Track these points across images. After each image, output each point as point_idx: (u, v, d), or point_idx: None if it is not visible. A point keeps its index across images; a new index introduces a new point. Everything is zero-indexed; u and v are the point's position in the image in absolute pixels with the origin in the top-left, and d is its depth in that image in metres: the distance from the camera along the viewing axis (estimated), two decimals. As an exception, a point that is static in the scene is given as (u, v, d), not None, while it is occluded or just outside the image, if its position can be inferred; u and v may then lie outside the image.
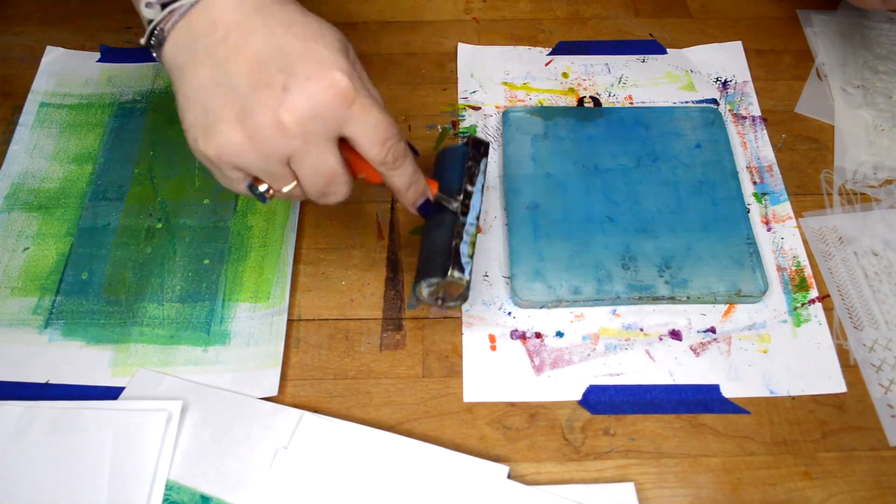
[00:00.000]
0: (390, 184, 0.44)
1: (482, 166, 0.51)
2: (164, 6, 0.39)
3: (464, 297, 0.48)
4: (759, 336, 0.52)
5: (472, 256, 0.47)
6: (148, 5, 0.39)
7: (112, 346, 0.52)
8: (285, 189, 0.41)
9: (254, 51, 0.38)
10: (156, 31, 0.40)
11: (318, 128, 0.38)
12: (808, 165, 0.60)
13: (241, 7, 0.39)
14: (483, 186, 0.50)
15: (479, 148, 0.51)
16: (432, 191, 0.47)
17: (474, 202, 0.49)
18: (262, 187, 0.42)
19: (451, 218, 0.48)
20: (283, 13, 0.39)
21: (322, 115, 0.38)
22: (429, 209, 0.47)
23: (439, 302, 0.49)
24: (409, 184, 0.44)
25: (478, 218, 0.49)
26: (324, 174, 0.40)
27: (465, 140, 0.52)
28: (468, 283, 0.47)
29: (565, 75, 0.66)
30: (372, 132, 0.40)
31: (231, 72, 0.38)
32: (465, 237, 0.47)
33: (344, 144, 0.41)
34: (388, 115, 0.41)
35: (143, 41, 0.41)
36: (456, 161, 0.51)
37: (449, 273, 0.46)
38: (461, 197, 0.49)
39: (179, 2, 0.39)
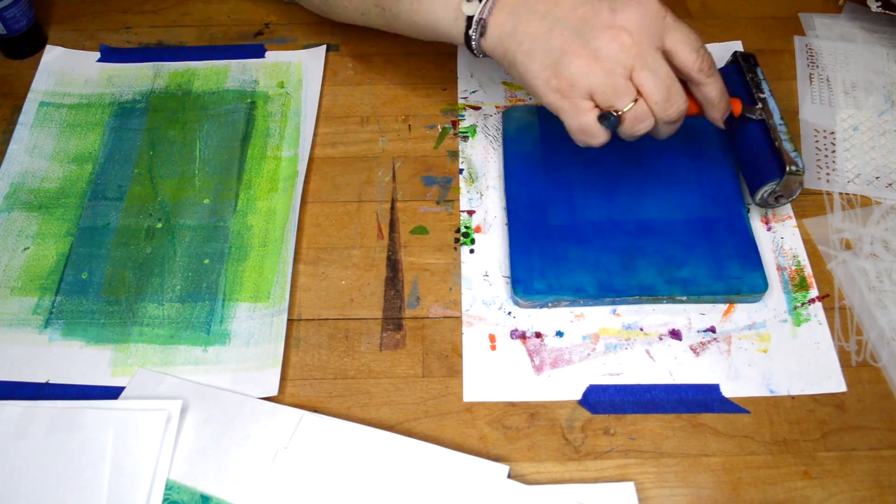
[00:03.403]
0: (705, 94, 0.48)
1: (760, 74, 0.55)
2: None
3: (800, 189, 0.53)
4: (758, 336, 0.52)
5: (797, 150, 0.52)
6: (468, 0, 0.49)
7: (112, 345, 0.52)
8: (628, 107, 0.45)
9: None
10: (480, 22, 0.48)
11: (647, 37, 0.45)
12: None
13: None
14: (770, 91, 0.54)
15: (749, 60, 0.56)
16: (739, 105, 0.53)
17: (772, 105, 0.54)
18: (612, 113, 0.45)
19: (758, 127, 0.54)
20: None
21: (648, 25, 0.45)
22: (731, 122, 0.53)
23: (781, 200, 0.54)
24: (720, 94, 0.48)
25: (783, 119, 0.53)
26: (663, 79, 0.45)
27: (730, 59, 0.58)
28: (804, 172, 0.51)
29: (565, 75, 0.65)
30: (687, 39, 0.46)
31: (559, 17, 0.46)
32: (783, 136, 0.52)
33: None
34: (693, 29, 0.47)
35: (471, 32, 0.49)
36: (731, 80, 0.56)
37: (787, 169, 0.51)
38: (759, 106, 0.54)
39: None
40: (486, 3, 0.48)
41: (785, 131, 0.52)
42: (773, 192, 0.53)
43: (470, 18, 0.48)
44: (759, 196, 0.54)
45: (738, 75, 0.56)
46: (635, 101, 0.45)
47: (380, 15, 0.56)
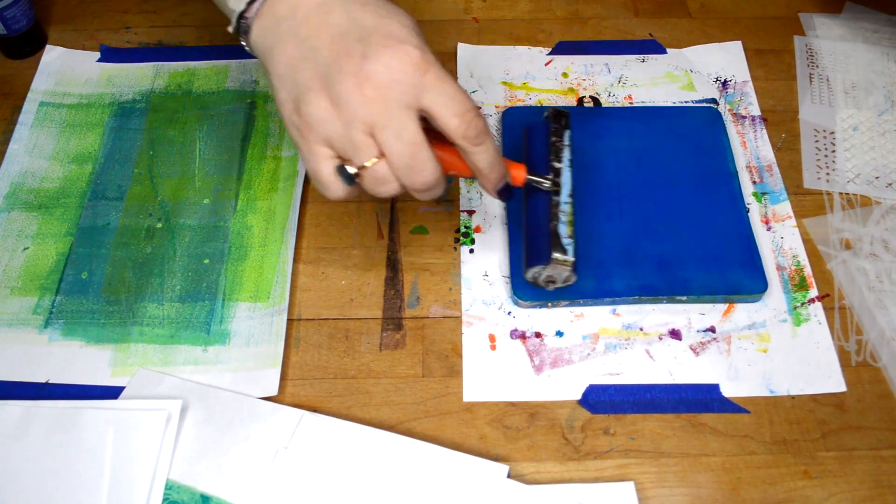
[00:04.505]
0: (473, 163, 0.43)
1: (565, 139, 0.49)
2: None
3: (571, 278, 0.48)
4: (758, 335, 0.52)
5: (572, 236, 0.46)
6: None
7: (112, 345, 0.52)
8: (369, 163, 0.40)
9: (334, 25, 0.40)
10: (242, 20, 0.43)
11: (396, 93, 0.39)
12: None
13: None
14: (570, 160, 0.48)
15: (559, 120, 0.50)
16: (521, 174, 0.47)
17: (564, 179, 0.48)
18: (350, 168, 0.41)
19: (544, 200, 0.48)
20: None
21: (399, 80, 0.39)
22: (509, 193, 0.46)
23: (549, 286, 0.49)
24: (491, 164, 0.43)
25: (571, 196, 0.47)
26: (406, 142, 0.40)
27: (545, 114, 0.52)
28: (573, 263, 0.46)
29: (565, 75, 0.66)
30: (449, 102, 0.40)
31: (315, 46, 0.40)
32: (562, 217, 0.47)
33: (432, 142, 0.41)
34: (463, 89, 0.41)
35: (230, 29, 0.44)
36: (539, 137, 0.51)
37: (552, 257, 0.46)
38: (549, 176, 0.48)
39: None
40: (253, 2, 0.42)
41: (568, 211, 0.47)
42: (541, 274, 0.49)
43: (235, 13, 0.43)
44: (528, 275, 0.50)
45: (546, 135, 0.51)
46: (379, 158, 0.40)
47: None
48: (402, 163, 0.40)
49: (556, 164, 0.48)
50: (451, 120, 0.40)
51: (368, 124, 0.39)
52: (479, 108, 0.41)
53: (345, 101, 0.39)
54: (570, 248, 0.46)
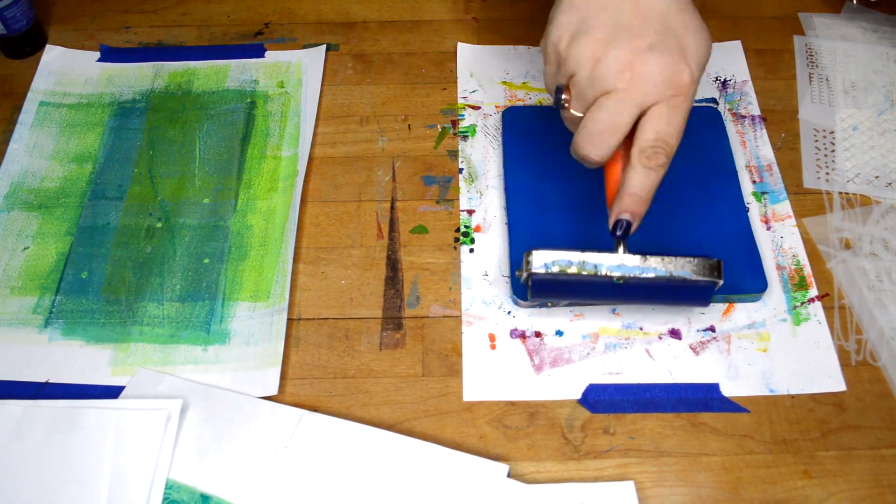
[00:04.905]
0: (626, 178, 0.45)
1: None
2: None
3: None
4: (758, 335, 0.52)
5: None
6: None
7: (112, 345, 0.52)
8: (576, 111, 0.45)
9: (648, 6, 0.44)
10: None
11: (642, 91, 0.42)
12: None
13: None
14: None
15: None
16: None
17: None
18: (565, 97, 0.45)
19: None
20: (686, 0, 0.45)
21: (654, 85, 0.42)
22: (625, 232, 0.47)
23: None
24: (639, 191, 0.45)
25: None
26: (608, 123, 0.43)
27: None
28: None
29: (565, 75, 0.66)
30: (665, 126, 0.43)
31: (621, 8, 0.44)
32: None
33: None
34: (682, 132, 0.44)
35: None
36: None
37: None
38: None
39: None
40: None
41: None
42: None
43: None
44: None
45: None
46: (583, 114, 0.44)
47: None
48: (595, 129, 0.43)
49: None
50: (650, 133, 0.43)
51: (603, 92, 0.43)
52: (670, 156, 0.44)
53: (604, 67, 0.42)
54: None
